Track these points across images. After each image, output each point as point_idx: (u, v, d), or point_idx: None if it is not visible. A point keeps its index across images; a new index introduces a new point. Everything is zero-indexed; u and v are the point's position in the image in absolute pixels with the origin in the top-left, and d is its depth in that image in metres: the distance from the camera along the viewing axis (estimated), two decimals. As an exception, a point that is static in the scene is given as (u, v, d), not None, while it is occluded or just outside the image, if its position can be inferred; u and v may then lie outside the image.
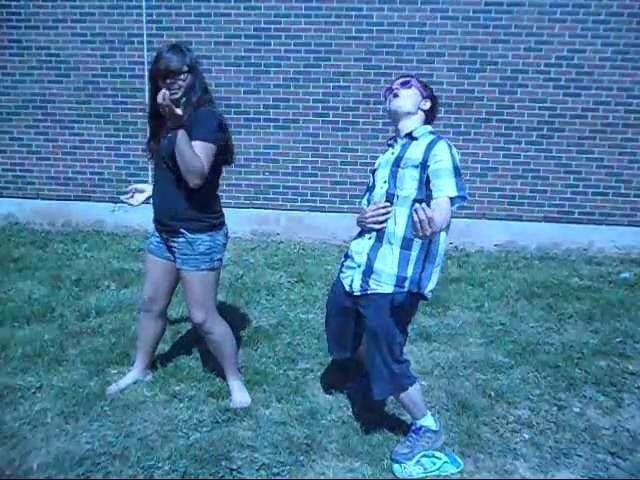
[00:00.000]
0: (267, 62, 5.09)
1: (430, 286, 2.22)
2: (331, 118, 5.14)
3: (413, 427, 2.30)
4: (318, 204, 5.30)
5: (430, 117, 2.32)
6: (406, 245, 2.16)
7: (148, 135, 2.48)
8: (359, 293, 2.24)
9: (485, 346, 3.26)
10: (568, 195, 5.10)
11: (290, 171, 5.27)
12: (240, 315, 3.58)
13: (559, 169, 5.06)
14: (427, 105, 2.28)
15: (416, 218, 1.81)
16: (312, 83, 5.09)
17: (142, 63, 5.20)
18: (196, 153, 2.21)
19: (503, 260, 4.82)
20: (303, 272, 4.35)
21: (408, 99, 2.24)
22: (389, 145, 2.34)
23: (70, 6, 5.18)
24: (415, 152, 2.17)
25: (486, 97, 4.98)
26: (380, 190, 2.25)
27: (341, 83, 5.07)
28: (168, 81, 2.27)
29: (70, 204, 5.52)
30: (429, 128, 2.28)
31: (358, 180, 5.18)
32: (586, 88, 4.89)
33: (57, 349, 3.03)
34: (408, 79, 2.29)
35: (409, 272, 2.16)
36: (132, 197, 2.64)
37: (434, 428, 2.30)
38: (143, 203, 2.65)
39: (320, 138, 5.18)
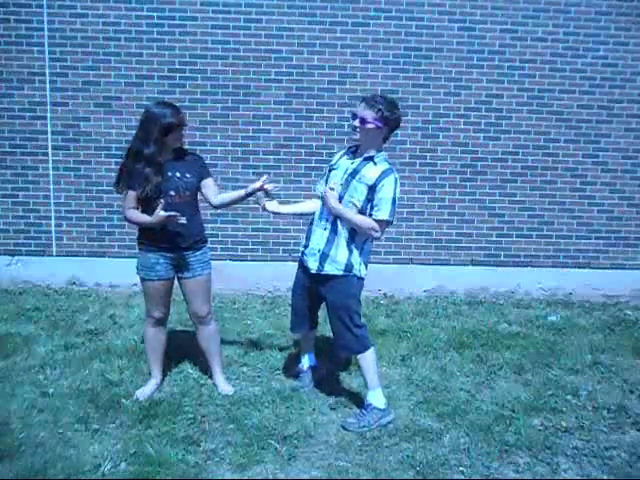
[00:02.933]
0: (181, 105, 4.79)
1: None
2: (251, 162, 4.91)
3: (364, 403, 2.81)
4: (239, 252, 4.99)
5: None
6: (351, 239, 2.78)
7: (151, 174, 2.80)
8: (315, 271, 2.81)
9: (413, 408, 3.00)
10: (493, 238, 5.06)
11: (208, 218, 4.94)
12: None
13: (483, 212, 5.03)
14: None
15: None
16: (230, 126, 4.86)
17: (45, 104, 4.79)
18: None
19: (432, 307, 4.65)
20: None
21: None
22: (351, 152, 2.91)
23: (-38, 42, 4.73)
24: (370, 173, 2.75)
25: (409, 140, 4.91)
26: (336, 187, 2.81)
27: (261, 126, 4.87)
28: (183, 131, 2.94)
29: (-40, 258, 4.92)
30: (384, 155, 2.88)
31: (281, 226, 4.93)
32: (505, 132, 4.93)
33: None
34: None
35: (354, 260, 2.79)
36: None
37: (381, 407, 2.79)
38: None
39: (240, 183, 4.89)
